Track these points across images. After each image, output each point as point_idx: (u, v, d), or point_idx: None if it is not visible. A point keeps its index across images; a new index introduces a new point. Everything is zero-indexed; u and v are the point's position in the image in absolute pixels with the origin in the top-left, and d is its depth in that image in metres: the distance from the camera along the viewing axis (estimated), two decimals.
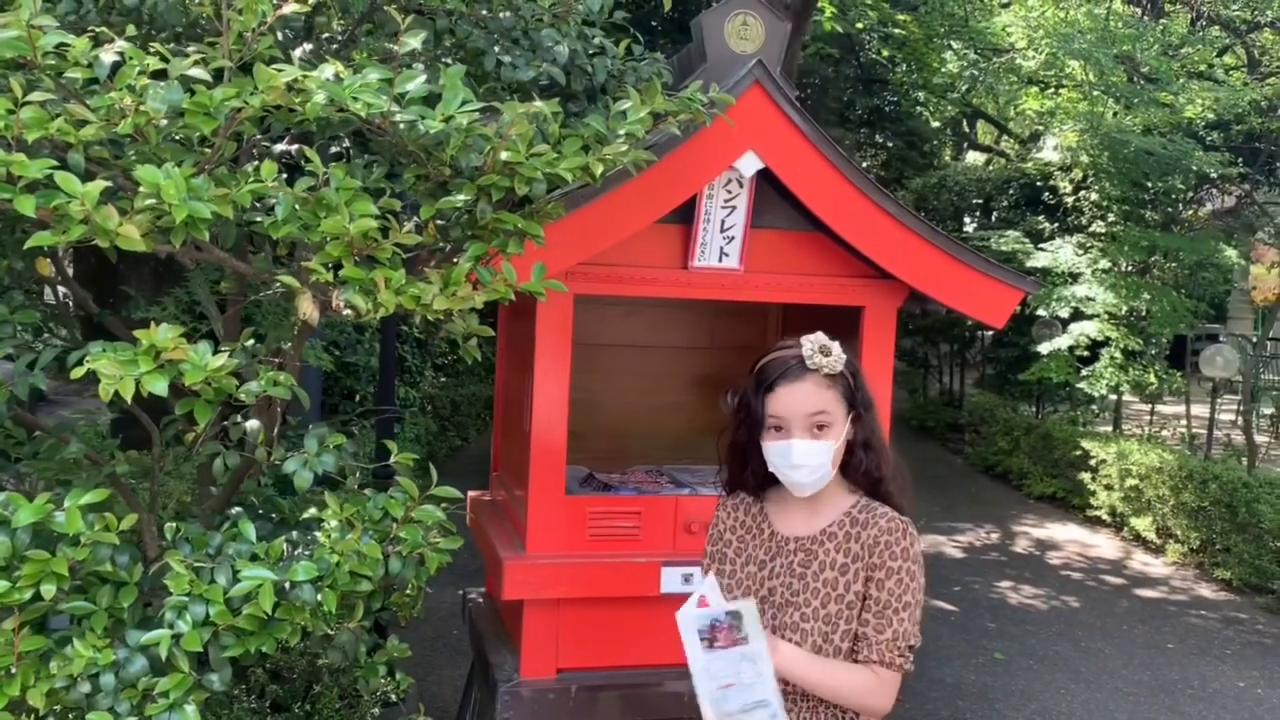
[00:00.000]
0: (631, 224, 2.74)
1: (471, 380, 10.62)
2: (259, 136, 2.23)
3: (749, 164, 2.82)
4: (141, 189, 1.82)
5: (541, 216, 2.22)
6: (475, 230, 2.17)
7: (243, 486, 2.97)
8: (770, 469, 1.99)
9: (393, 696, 3.56)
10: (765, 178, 2.91)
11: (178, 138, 2.02)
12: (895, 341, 3.17)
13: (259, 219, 2.06)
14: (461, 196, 2.05)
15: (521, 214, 2.21)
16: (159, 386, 1.90)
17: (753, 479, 2.07)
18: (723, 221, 2.92)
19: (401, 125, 1.95)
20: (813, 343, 1.95)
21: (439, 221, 2.14)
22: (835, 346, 1.96)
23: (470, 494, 3.70)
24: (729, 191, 2.91)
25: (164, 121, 1.84)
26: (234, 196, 1.92)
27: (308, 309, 2.01)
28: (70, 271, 2.60)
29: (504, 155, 2.04)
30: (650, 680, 2.96)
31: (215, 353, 1.96)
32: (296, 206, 1.97)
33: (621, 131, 2.19)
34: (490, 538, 3.12)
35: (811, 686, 1.92)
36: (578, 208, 2.64)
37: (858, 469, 2.01)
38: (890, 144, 17.30)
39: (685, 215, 2.89)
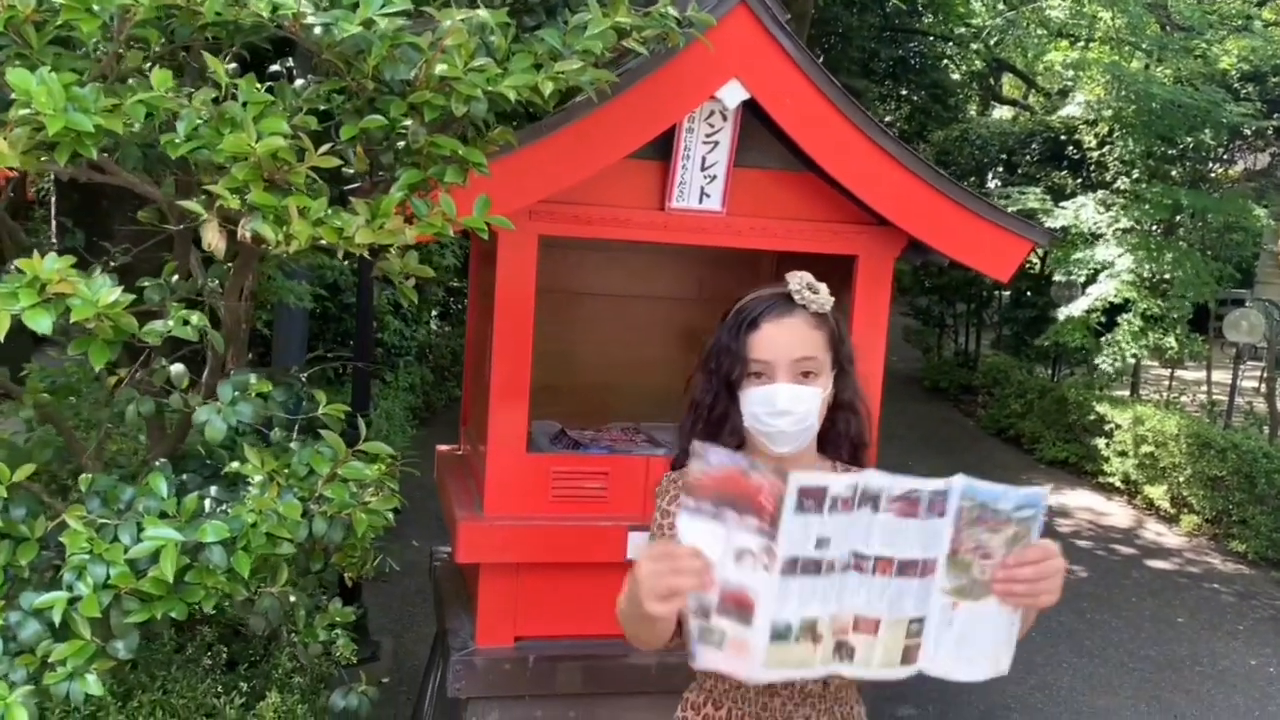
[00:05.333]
0: (600, 157, 2.49)
1: None
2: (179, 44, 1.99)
3: (733, 94, 2.56)
4: (14, 96, 1.60)
5: (485, 143, 1.98)
6: (410, 158, 1.94)
7: (189, 439, 2.77)
8: (747, 423, 1.72)
9: (353, 660, 3.38)
10: (752, 110, 2.65)
11: (66, 41, 1.79)
12: (891, 294, 2.92)
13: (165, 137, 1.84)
14: (388, 115, 1.81)
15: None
16: (42, 323, 1.69)
17: (732, 440, 1.76)
18: (704, 159, 2.67)
19: (317, 29, 1.71)
20: (800, 279, 1.73)
21: (368, 146, 1.91)
22: (823, 286, 1.74)
23: (439, 448, 3.50)
24: (711, 125, 2.65)
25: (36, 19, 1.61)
26: (126, 109, 1.69)
27: (213, 239, 1.79)
28: None
29: (439, 69, 1.80)
30: (614, 652, 2.75)
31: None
32: (200, 123, 1.74)
33: (578, 48, 1.95)
34: (450, 496, 2.92)
35: None
36: (539, 138, 2.39)
37: (840, 433, 1.78)
38: (915, 97, 16.84)
39: (663, 150, 2.64)
